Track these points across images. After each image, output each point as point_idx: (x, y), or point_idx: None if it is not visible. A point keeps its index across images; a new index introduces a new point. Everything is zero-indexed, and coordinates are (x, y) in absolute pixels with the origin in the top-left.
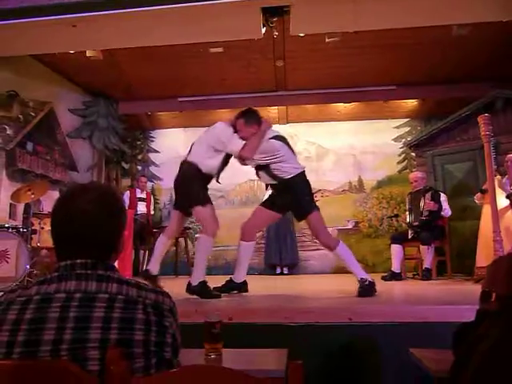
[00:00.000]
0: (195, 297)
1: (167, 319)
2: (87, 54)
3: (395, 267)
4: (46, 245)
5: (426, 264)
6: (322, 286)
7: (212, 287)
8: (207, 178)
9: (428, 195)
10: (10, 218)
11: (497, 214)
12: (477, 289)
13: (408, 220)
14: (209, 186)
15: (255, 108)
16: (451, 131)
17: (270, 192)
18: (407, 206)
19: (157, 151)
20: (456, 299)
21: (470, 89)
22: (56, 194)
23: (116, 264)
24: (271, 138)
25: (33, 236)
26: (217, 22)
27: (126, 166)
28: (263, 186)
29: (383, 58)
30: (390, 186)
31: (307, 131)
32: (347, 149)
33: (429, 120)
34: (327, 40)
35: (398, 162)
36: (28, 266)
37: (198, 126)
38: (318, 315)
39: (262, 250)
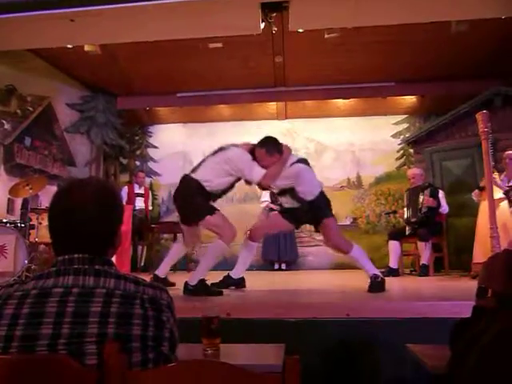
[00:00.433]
0: None
1: (165, 314)
2: (85, 49)
3: (393, 263)
4: (44, 240)
5: (424, 260)
6: (319, 282)
7: (210, 283)
8: (210, 196)
9: (427, 191)
10: (7, 212)
11: (494, 211)
12: (474, 285)
13: (406, 216)
14: None
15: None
16: (450, 128)
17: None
18: (405, 203)
19: (155, 147)
20: (453, 295)
21: (468, 85)
22: (54, 189)
23: (114, 259)
24: (294, 163)
25: (31, 231)
26: (216, 17)
27: (125, 162)
28: None
29: (382, 55)
30: (388, 182)
31: (306, 127)
32: (346, 145)
33: (427, 117)
34: (326, 36)
35: (397, 159)
36: (26, 261)
37: (197, 122)
38: (315, 311)
39: (260, 246)
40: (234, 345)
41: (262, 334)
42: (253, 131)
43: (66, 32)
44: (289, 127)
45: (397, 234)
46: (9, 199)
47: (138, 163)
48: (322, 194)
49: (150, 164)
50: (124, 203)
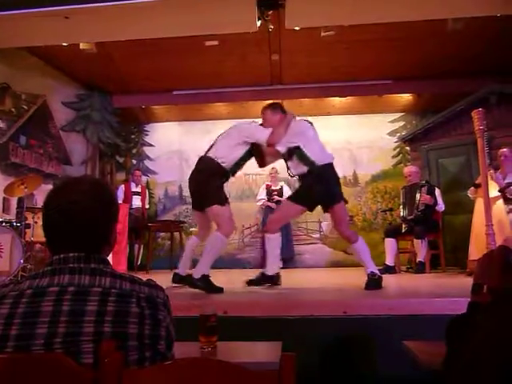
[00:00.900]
0: (190, 290)
1: (161, 313)
2: (80, 47)
3: (389, 261)
4: (40, 239)
5: (420, 257)
6: (316, 280)
7: (247, 280)
8: (226, 175)
9: (424, 189)
10: (3, 212)
11: (489, 208)
12: (469, 282)
13: (402, 214)
14: None
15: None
16: (446, 125)
17: (264, 189)
18: (401, 200)
19: (151, 145)
20: (449, 292)
21: (464, 83)
22: (49, 188)
23: (110, 258)
24: (299, 121)
25: (26, 230)
26: (212, 14)
27: (121, 160)
28: (259, 180)
29: (378, 53)
30: (384, 180)
31: None
32: (342, 143)
33: (424, 114)
34: (322, 34)
35: (393, 157)
36: (22, 261)
37: (193, 120)
38: (312, 308)
39: (257, 245)
40: (231, 342)
41: (259, 332)
42: None
43: (61, 30)
44: None
45: (393, 232)
46: (4, 198)
47: (134, 162)
48: (333, 171)
49: (147, 162)
50: (121, 202)
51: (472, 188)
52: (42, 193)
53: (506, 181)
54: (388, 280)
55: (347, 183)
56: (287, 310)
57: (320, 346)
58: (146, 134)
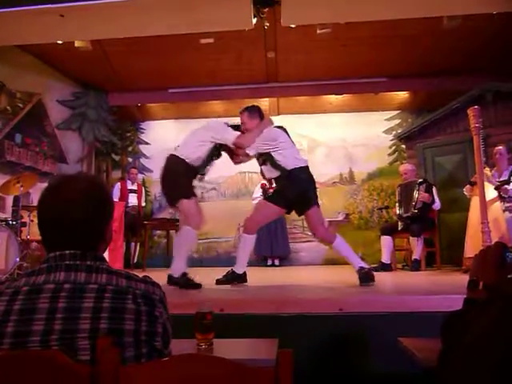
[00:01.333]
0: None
1: (157, 309)
2: (76, 45)
3: (385, 258)
4: (36, 237)
5: (416, 255)
6: (312, 277)
7: (216, 279)
8: (193, 171)
9: (422, 187)
10: None
11: (485, 206)
12: (465, 279)
13: (398, 212)
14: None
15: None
16: (441, 123)
17: (260, 187)
18: (397, 198)
19: (147, 143)
20: (445, 289)
21: (460, 81)
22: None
23: (107, 255)
24: (272, 128)
25: (22, 229)
26: (207, 12)
27: (117, 158)
28: (255, 178)
29: (374, 50)
30: (380, 178)
31: (298, 123)
32: (338, 141)
33: (419, 112)
34: (318, 31)
35: (389, 154)
36: (18, 259)
37: (189, 118)
38: (308, 306)
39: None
40: (228, 340)
41: (255, 330)
42: None
43: (56, 28)
44: (281, 123)
45: (389, 230)
46: (0, 197)
47: (130, 159)
48: (308, 174)
49: (142, 160)
50: (117, 200)
51: (468, 186)
52: (37, 191)
53: (502, 179)
54: (384, 277)
55: (343, 181)
56: (283, 308)
57: (316, 343)
58: (142, 132)
